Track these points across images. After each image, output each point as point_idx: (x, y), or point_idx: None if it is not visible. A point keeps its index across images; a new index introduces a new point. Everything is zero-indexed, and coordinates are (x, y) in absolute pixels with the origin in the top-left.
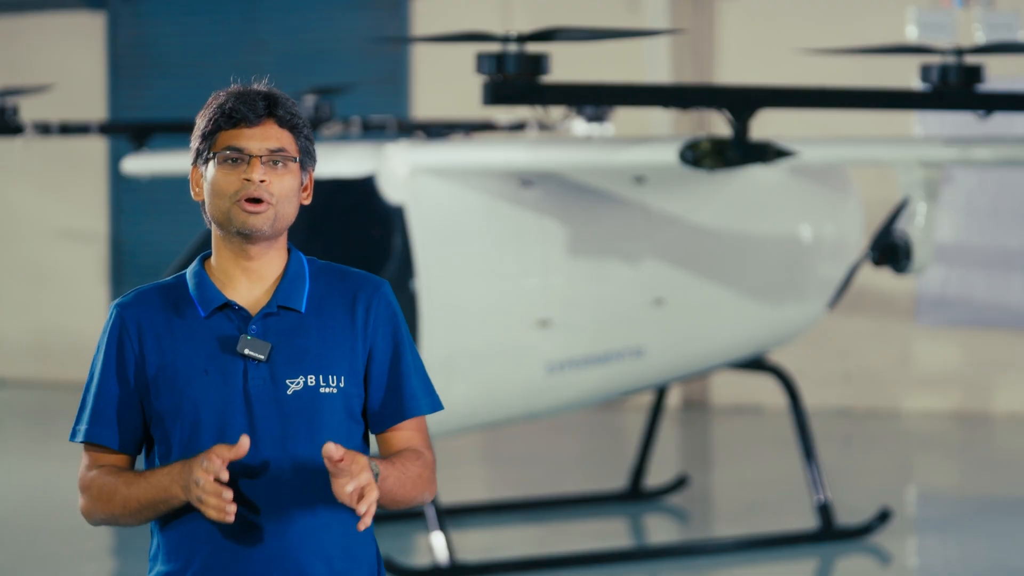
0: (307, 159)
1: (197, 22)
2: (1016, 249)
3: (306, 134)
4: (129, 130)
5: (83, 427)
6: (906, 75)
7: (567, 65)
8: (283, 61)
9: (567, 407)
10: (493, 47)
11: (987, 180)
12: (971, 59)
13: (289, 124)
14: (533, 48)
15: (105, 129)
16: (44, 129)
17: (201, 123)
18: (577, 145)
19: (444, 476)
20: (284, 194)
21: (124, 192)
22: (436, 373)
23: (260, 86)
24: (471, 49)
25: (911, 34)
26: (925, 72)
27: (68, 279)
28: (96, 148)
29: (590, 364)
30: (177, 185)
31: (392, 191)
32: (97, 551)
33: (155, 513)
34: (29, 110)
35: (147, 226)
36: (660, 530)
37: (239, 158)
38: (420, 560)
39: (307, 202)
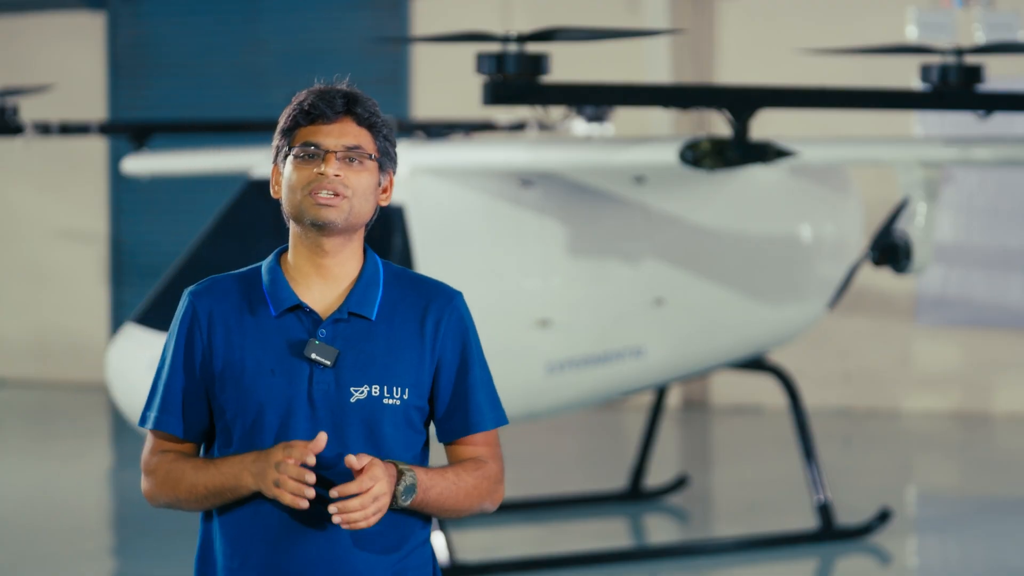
0: (386, 160)
1: (197, 22)
2: (1016, 249)
3: (385, 134)
4: (129, 130)
5: (153, 414)
6: (906, 75)
7: (567, 65)
8: (283, 61)
9: (567, 407)
10: (493, 47)
11: (987, 180)
12: (971, 59)
13: (367, 123)
14: (533, 48)
15: (105, 129)
16: (44, 129)
17: (281, 121)
18: (577, 145)
19: None
20: (360, 190)
21: (124, 192)
22: None
23: (342, 85)
24: (471, 49)
25: (911, 34)
26: (925, 72)
27: (68, 279)
28: (96, 148)
29: (590, 364)
30: (177, 185)
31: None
32: (97, 551)
33: (220, 500)
34: (29, 110)
35: (147, 226)
36: (660, 530)
37: (315, 153)
38: None
39: (385, 203)
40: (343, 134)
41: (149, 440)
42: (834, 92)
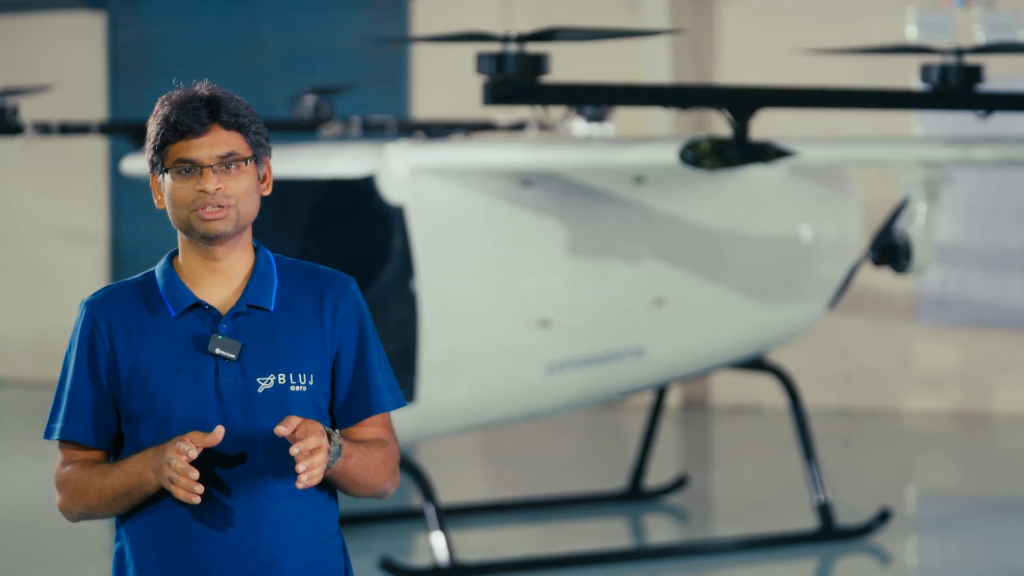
0: (260, 151)
1: (197, 22)
2: (1016, 249)
3: (255, 129)
4: (129, 130)
5: (58, 425)
6: (906, 75)
7: (567, 65)
8: (283, 61)
9: (567, 407)
10: (493, 47)
11: (987, 180)
12: (971, 59)
13: (235, 125)
14: (533, 48)
15: (105, 129)
16: (44, 129)
17: (151, 133)
18: (577, 145)
19: (444, 476)
20: (242, 194)
21: (124, 192)
22: (436, 373)
23: (203, 88)
24: (471, 49)
25: (911, 34)
26: (925, 72)
27: (68, 279)
28: (96, 148)
29: (590, 364)
30: None
31: (392, 191)
32: (97, 551)
33: (130, 501)
34: (29, 110)
35: (147, 226)
36: (660, 530)
37: (191, 169)
38: (420, 560)
39: (267, 192)
40: (215, 144)
41: (59, 455)
42: (834, 92)
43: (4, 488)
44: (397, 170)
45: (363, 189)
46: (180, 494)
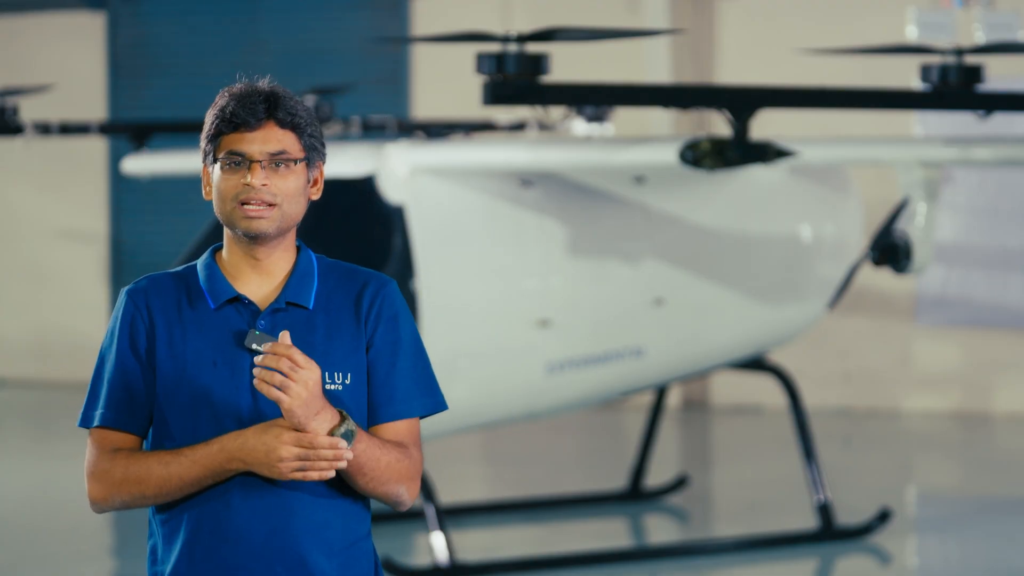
0: (314, 155)
1: (197, 22)
2: (1016, 249)
3: (310, 131)
4: (129, 130)
5: (98, 412)
6: (906, 75)
7: (567, 65)
8: (283, 61)
9: (567, 407)
10: (493, 47)
11: (987, 180)
12: (971, 59)
13: (291, 124)
14: (533, 48)
15: (105, 129)
16: (44, 129)
17: (207, 124)
18: (577, 145)
19: (444, 476)
20: (288, 194)
21: (124, 192)
22: (436, 373)
23: (264, 85)
24: (471, 49)
25: (911, 34)
26: (925, 72)
27: (68, 279)
28: (96, 148)
29: (590, 364)
30: (177, 185)
31: (392, 191)
32: (97, 551)
33: (197, 488)
34: (29, 110)
35: (147, 226)
36: (660, 530)
37: (241, 162)
38: (420, 560)
39: (316, 197)
40: (267, 140)
41: (93, 441)
42: (834, 92)
43: (4, 488)
44: (397, 170)
45: (363, 189)
46: (313, 475)
